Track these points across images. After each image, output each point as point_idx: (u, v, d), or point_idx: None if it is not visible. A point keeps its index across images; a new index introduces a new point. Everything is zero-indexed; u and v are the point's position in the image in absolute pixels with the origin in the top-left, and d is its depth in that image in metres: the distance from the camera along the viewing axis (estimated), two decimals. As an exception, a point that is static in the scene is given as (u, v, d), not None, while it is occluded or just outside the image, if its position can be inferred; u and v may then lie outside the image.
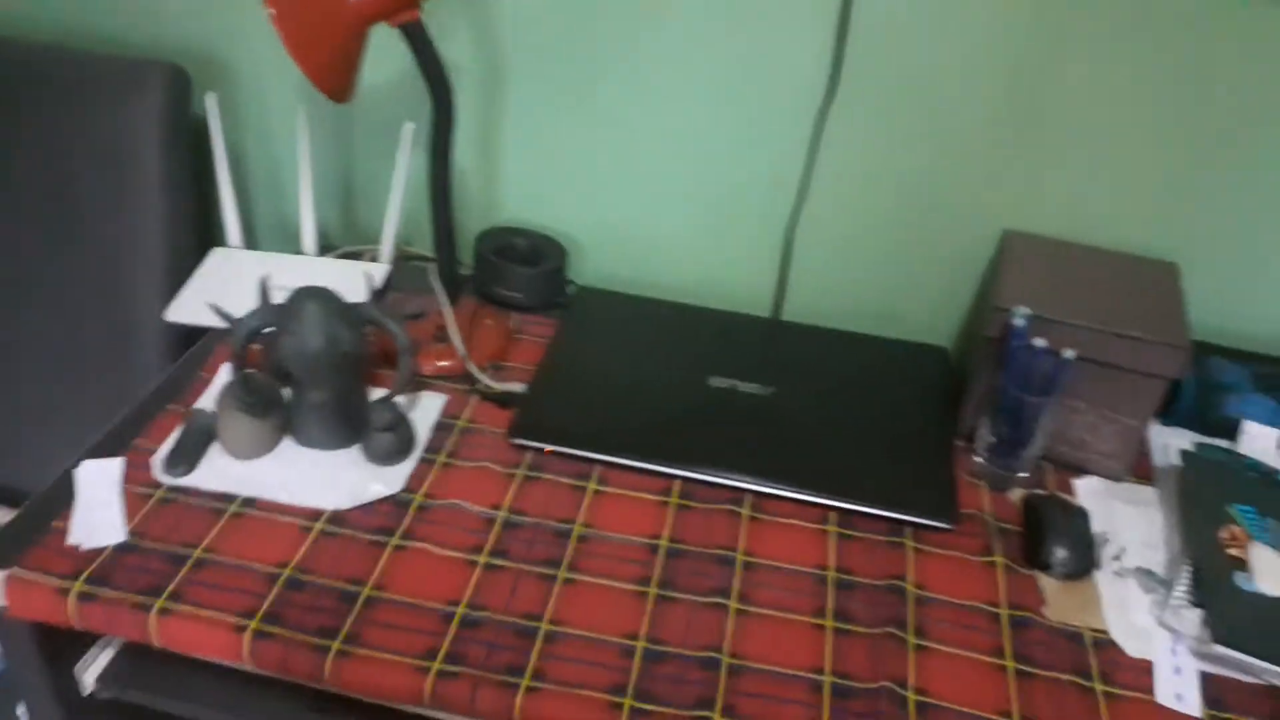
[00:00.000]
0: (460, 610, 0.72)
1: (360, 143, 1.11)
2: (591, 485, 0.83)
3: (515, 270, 1.04)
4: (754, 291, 1.07)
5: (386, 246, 1.06)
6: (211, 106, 1.00)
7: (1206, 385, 0.91)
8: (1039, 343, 0.81)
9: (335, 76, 0.80)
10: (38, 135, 1.02)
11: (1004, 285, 0.87)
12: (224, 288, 0.99)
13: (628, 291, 1.06)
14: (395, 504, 0.80)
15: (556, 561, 0.76)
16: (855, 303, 1.05)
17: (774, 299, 1.07)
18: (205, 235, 1.13)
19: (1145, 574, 0.79)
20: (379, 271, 1.04)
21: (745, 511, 0.82)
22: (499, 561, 0.76)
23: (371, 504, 0.80)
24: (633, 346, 0.98)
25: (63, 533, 0.74)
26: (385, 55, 1.02)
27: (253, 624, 0.69)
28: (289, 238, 1.18)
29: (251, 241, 1.19)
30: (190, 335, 1.04)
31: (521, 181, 1.08)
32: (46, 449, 1.09)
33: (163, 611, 0.69)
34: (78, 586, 0.71)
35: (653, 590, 0.75)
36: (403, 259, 1.12)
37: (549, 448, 0.86)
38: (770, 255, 1.05)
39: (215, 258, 1.04)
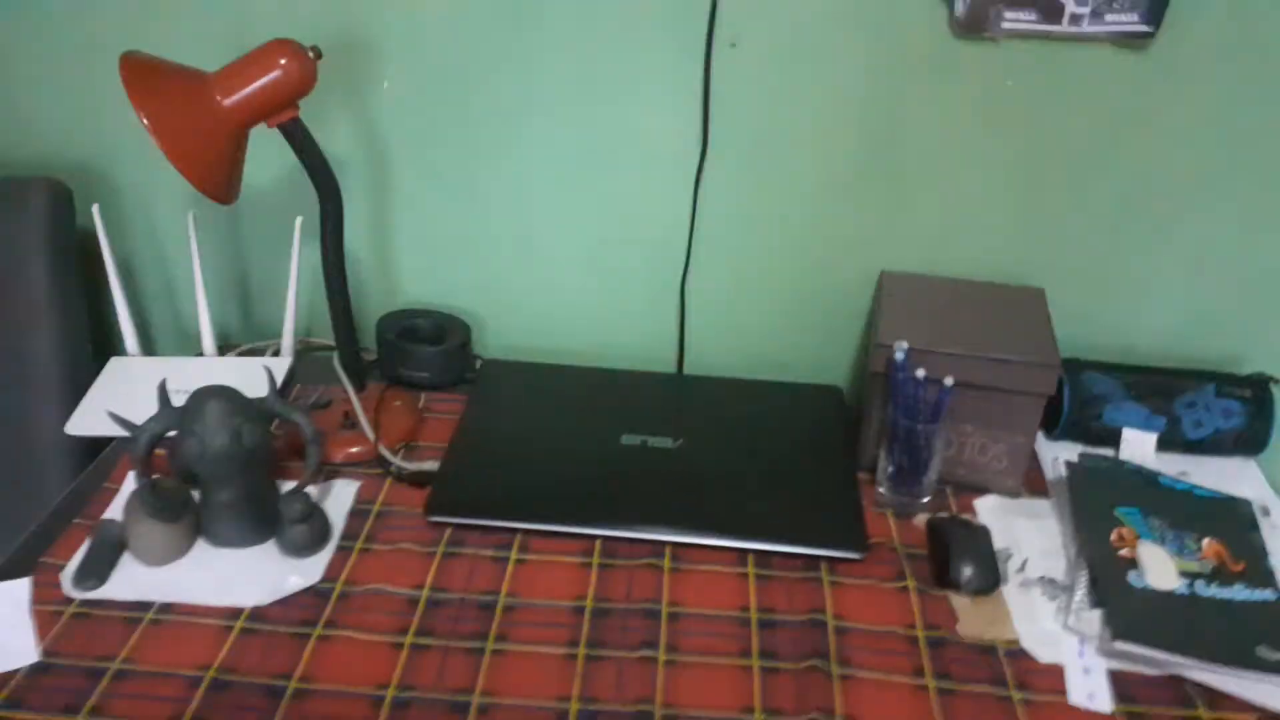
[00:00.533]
0: (390, 693, 0.71)
1: (252, 240, 1.11)
2: (513, 554, 0.84)
3: (419, 350, 1.05)
4: (655, 349, 1.11)
5: (287, 339, 1.07)
6: (96, 217, 0.99)
7: (1084, 399, 0.97)
8: (921, 374, 0.86)
9: (218, 179, 0.82)
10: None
11: (884, 323, 0.92)
12: (124, 397, 0.98)
13: (534, 360, 1.08)
14: (315, 594, 0.79)
15: (483, 634, 0.77)
16: (751, 352, 1.09)
17: (675, 355, 1.11)
18: (102, 346, 1.11)
19: (1048, 582, 0.84)
20: (281, 365, 1.04)
21: (666, 564, 0.84)
22: (425, 641, 0.76)
23: (291, 597, 0.79)
24: (542, 413, 1.00)
25: (-34, 663, 0.72)
26: (269, 153, 1.03)
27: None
28: (188, 340, 1.18)
29: (149, 348, 1.18)
30: (92, 447, 1.03)
31: (417, 264, 1.11)
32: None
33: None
34: (-8, 714, 0.68)
35: (581, 651, 0.76)
36: (305, 350, 1.13)
37: (468, 522, 0.86)
38: (667, 313, 1.09)
39: (113, 367, 1.03)
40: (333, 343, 1.07)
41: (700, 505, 0.88)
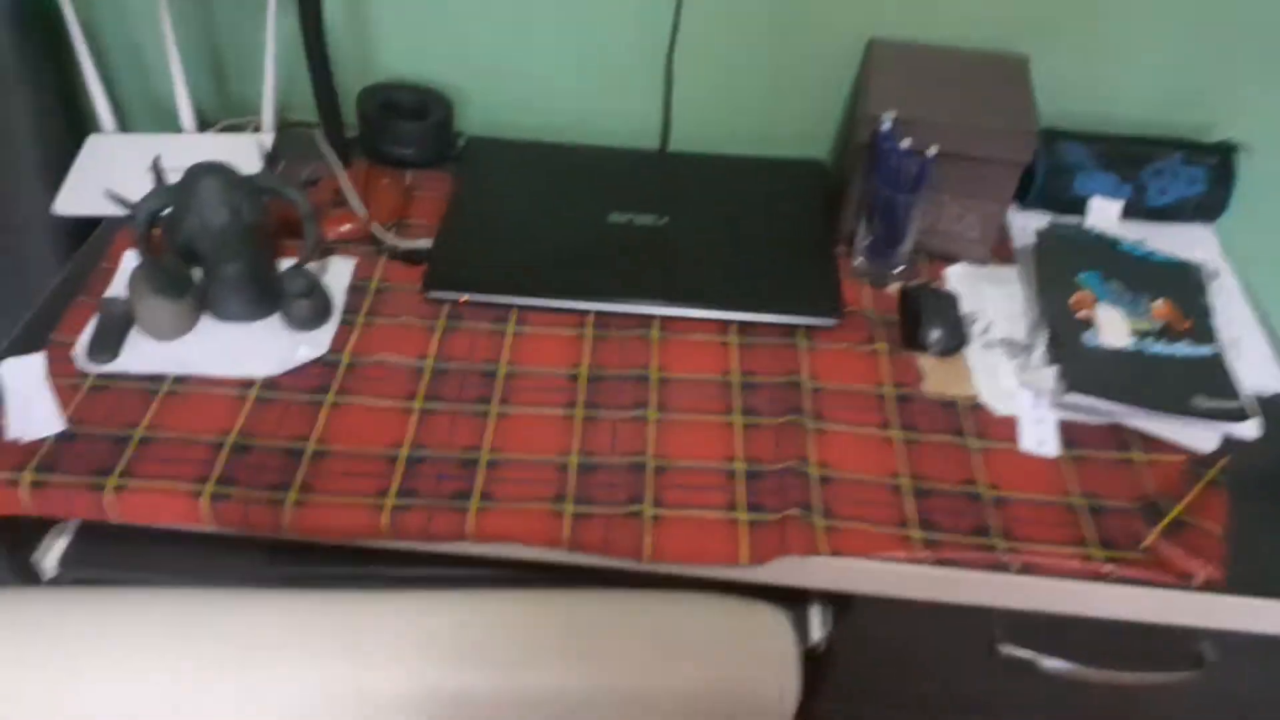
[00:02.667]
0: (404, 452, 0.78)
1: (223, 10, 1.07)
2: (510, 327, 0.89)
3: (403, 126, 1.04)
4: (640, 125, 1.11)
5: (268, 115, 1.05)
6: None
7: (1056, 168, 1.00)
8: (905, 143, 0.88)
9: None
10: None
11: (871, 93, 0.92)
12: (108, 175, 0.98)
13: (519, 138, 1.08)
14: (324, 365, 0.84)
15: (487, 399, 0.82)
16: (736, 126, 1.09)
17: (660, 131, 1.11)
18: (75, 122, 1.09)
19: (1009, 343, 0.90)
20: (266, 140, 1.04)
21: (654, 334, 0.89)
22: (434, 405, 0.81)
23: (300, 367, 0.83)
24: (531, 191, 1.01)
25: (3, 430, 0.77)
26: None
27: (208, 488, 0.74)
28: (162, 117, 1.15)
29: (123, 123, 1.15)
30: (78, 227, 1.03)
31: (396, 34, 1.07)
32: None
33: (117, 488, 0.73)
34: (28, 476, 0.74)
35: (579, 412, 0.82)
36: (285, 126, 1.11)
37: (464, 297, 0.90)
38: (652, 88, 1.08)
39: (92, 144, 1.01)
40: (312, 119, 1.06)
41: (685, 279, 0.92)
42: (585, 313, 0.90)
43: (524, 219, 0.98)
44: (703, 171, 1.05)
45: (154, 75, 1.12)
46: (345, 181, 0.98)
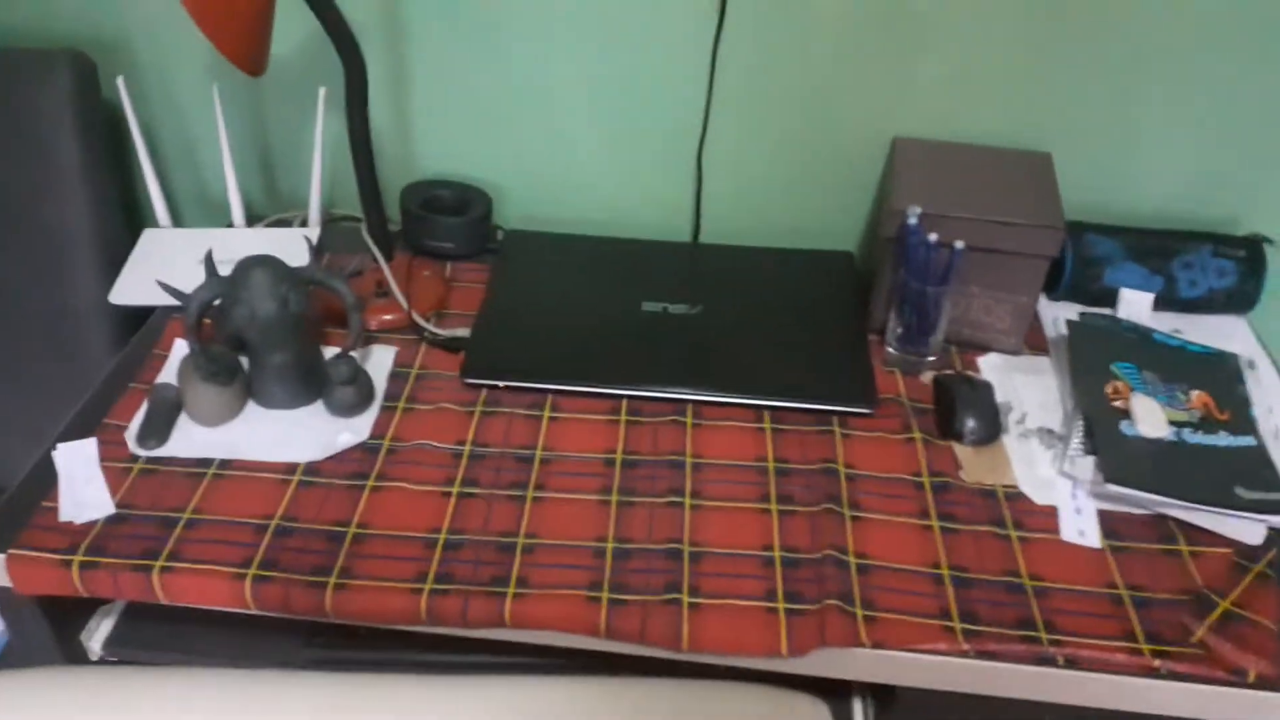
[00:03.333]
0: (442, 536, 0.78)
1: (273, 112, 1.12)
2: (546, 413, 0.90)
3: (443, 221, 1.08)
4: (672, 218, 1.14)
5: (314, 210, 1.09)
6: (122, 89, 1.00)
7: (1084, 260, 1.01)
8: (932, 237, 0.90)
9: (250, 50, 0.83)
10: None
11: (897, 188, 0.95)
12: (161, 266, 1.02)
13: (554, 231, 1.11)
14: (365, 450, 0.85)
15: (524, 484, 0.83)
16: (766, 219, 1.12)
17: (691, 224, 1.14)
18: (132, 217, 1.14)
19: (1045, 433, 0.90)
20: (311, 234, 1.07)
21: (688, 420, 0.90)
22: (471, 490, 0.82)
23: (342, 453, 0.85)
24: (566, 281, 1.04)
25: (52, 511, 0.78)
26: (289, 23, 1.03)
27: (251, 570, 0.74)
28: (213, 211, 1.20)
29: (177, 218, 1.20)
30: (130, 317, 1.06)
31: (438, 134, 1.12)
32: (5, 435, 1.10)
33: (164, 570, 0.74)
34: (79, 558, 0.75)
35: (614, 498, 0.82)
36: (331, 221, 1.16)
37: (502, 384, 0.92)
38: (684, 182, 1.11)
39: (148, 238, 1.06)
40: (356, 213, 1.10)
41: (719, 366, 0.93)
42: (619, 398, 0.91)
43: (559, 308, 1.00)
44: (733, 262, 1.07)
45: (207, 171, 1.18)
46: (388, 274, 1.01)
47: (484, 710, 0.66)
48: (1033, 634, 0.73)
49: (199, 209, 1.21)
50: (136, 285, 1.00)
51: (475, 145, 1.12)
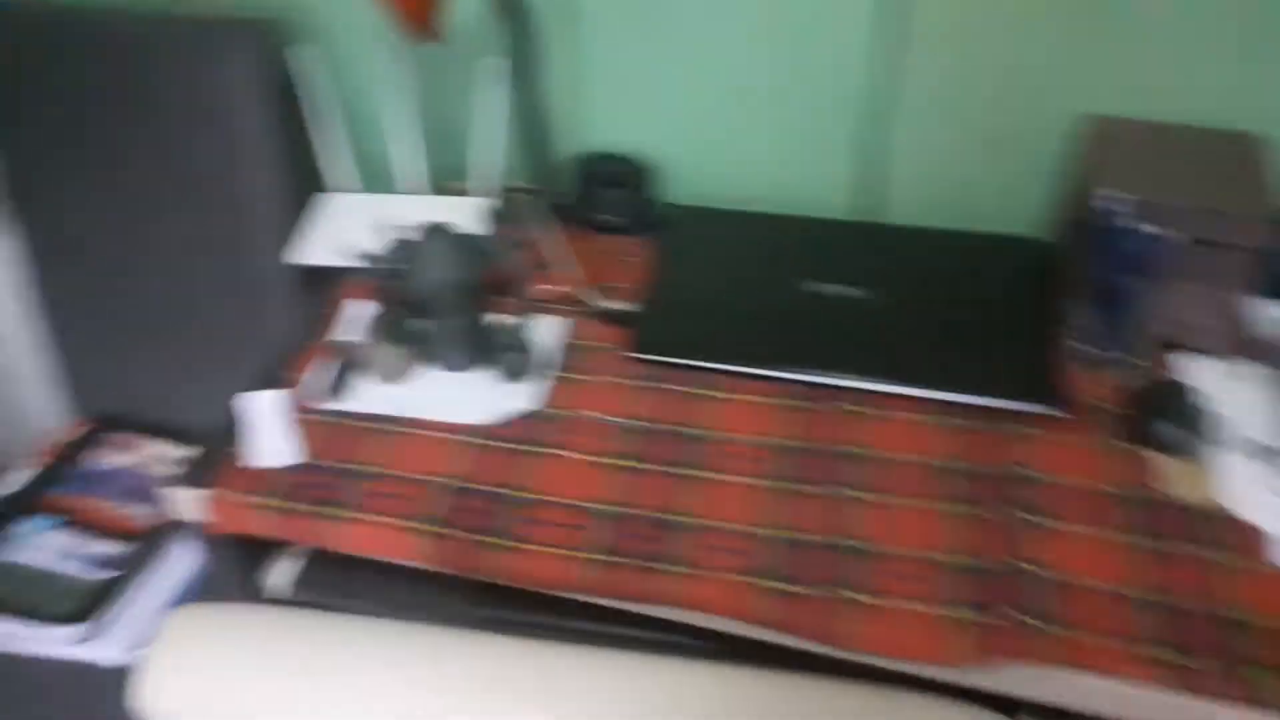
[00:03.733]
0: (606, 507, 0.78)
1: (444, 85, 1.14)
2: (712, 392, 0.89)
3: (610, 195, 1.08)
4: (846, 196, 1.10)
5: (488, 181, 1.11)
6: (309, 57, 1.04)
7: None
8: (1135, 225, 0.84)
9: (427, 17, 0.84)
10: (145, 102, 1.08)
11: (1096, 171, 0.89)
12: (338, 230, 1.06)
13: (722, 208, 1.10)
14: (533, 417, 0.86)
15: (689, 462, 0.82)
16: (948, 200, 1.07)
17: (867, 202, 1.10)
18: (307, 183, 1.19)
19: (1256, 446, 0.82)
20: (486, 204, 1.09)
21: (860, 409, 0.87)
22: (634, 464, 0.82)
23: (512, 418, 0.86)
24: (733, 260, 1.02)
25: (245, 458, 0.82)
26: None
27: (425, 526, 0.77)
28: (381, 180, 1.24)
29: (351, 184, 1.25)
30: (307, 276, 1.11)
31: (606, 107, 1.12)
32: (195, 389, 1.17)
33: (346, 520, 0.77)
34: (271, 502, 0.79)
35: (776, 484, 0.80)
36: (502, 192, 1.17)
37: (672, 360, 0.91)
38: (861, 158, 1.07)
39: (324, 200, 1.10)
40: (524, 185, 1.12)
41: (895, 354, 0.90)
42: (788, 382, 0.89)
43: (728, 286, 0.98)
44: (911, 244, 1.03)
45: (371, 141, 1.21)
46: (558, 245, 1.02)
47: (639, 686, 0.65)
48: (1246, 673, 0.67)
49: (373, 177, 1.25)
50: (312, 246, 1.04)
51: (643, 118, 1.12)
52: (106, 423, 1.23)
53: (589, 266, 1.02)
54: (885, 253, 1.02)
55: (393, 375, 0.89)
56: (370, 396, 0.88)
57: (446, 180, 1.21)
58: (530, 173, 1.00)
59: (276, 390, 0.88)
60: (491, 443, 0.84)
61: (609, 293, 1.01)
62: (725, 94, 1.07)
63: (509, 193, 1.17)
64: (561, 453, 0.83)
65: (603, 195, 1.08)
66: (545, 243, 1.03)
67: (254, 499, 0.79)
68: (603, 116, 1.13)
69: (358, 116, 1.20)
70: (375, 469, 0.81)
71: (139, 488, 1.15)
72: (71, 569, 1.05)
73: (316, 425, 0.86)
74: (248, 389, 0.89)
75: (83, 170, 1.13)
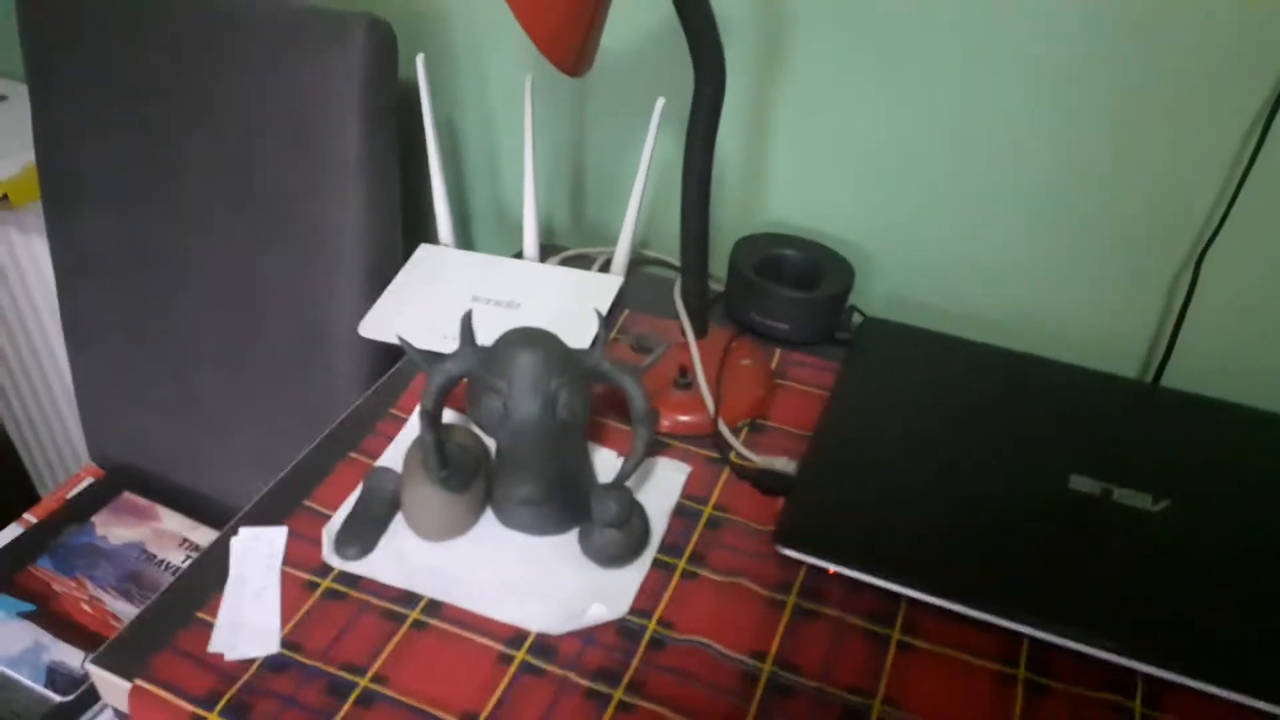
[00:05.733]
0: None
1: (594, 122, 0.89)
2: (896, 634, 0.58)
3: (783, 293, 0.79)
4: (1121, 342, 0.77)
5: (622, 251, 0.84)
6: (420, 69, 0.80)
7: None
8: None
9: (570, 43, 0.58)
10: (226, 101, 0.86)
11: None
12: (429, 296, 0.81)
13: (937, 330, 0.79)
14: (620, 633, 0.58)
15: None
16: (1267, 365, 0.73)
17: (1151, 355, 0.77)
18: (410, 225, 0.96)
19: None
20: (611, 284, 0.82)
21: (1136, 706, 0.54)
22: (763, 746, 0.52)
23: (589, 630, 0.58)
24: (951, 414, 0.70)
25: (205, 629, 0.58)
26: (627, 12, 0.79)
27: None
28: (505, 230, 0.99)
29: (464, 233, 1.01)
30: (389, 353, 0.88)
31: (795, 174, 0.83)
32: (224, 453, 0.96)
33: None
34: (213, 718, 0.53)
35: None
36: (637, 263, 0.91)
37: (834, 568, 0.61)
38: (1155, 295, 0.74)
39: (422, 256, 0.86)
40: (671, 260, 0.85)
41: (1204, 620, 0.56)
42: (1019, 637, 0.58)
43: (938, 456, 0.67)
44: (1226, 429, 0.69)
45: (504, 184, 0.96)
46: (697, 360, 0.73)
47: None
48: None
49: (491, 227, 1.01)
50: (394, 314, 0.79)
51: (843, 195, 0.82)
52: (120, 475, 1.01)
53: (738, 391, 0.74)
54: (1187, 439, 0.68)
55: (433, 529, 0.62)
56: (401, 558, 0.62)
57: (579, 245, 0.95)
58: (682, 251, 0.72)
59: (273, 528, 0.63)
60: (550, 667, 0.56)
61: (759, 435, 0.72)
62: (972, 177, 0.76)
63: (646, 265, 0.90)
64: (652, 707, 0.54)
65: (774, 292, 0.79)
66: (682, 352, 0.75)
67: (191, 707, 0.54)
68: (788, 185, 0.84)
69: (480, 150, 0.96)
70: (374, 686, 0.55)
71: (132, 574, 0.91)
72: (24, 676, 0.82)
73: (317, 595, 0.60)
74: (250, 517, 0.65)
75: (131, 171, 0.92)
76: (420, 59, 0.80)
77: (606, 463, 0.69)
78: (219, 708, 0.54)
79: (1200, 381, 0.75)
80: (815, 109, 0.79)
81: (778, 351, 0.80)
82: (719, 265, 0.88)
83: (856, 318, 0.82)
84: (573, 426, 0.59)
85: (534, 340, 0.58)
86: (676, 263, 0.88)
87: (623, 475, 0.61)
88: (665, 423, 0.72)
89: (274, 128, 0.85)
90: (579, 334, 0.76)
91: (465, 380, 0.61)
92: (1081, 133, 0.71)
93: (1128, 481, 0.64)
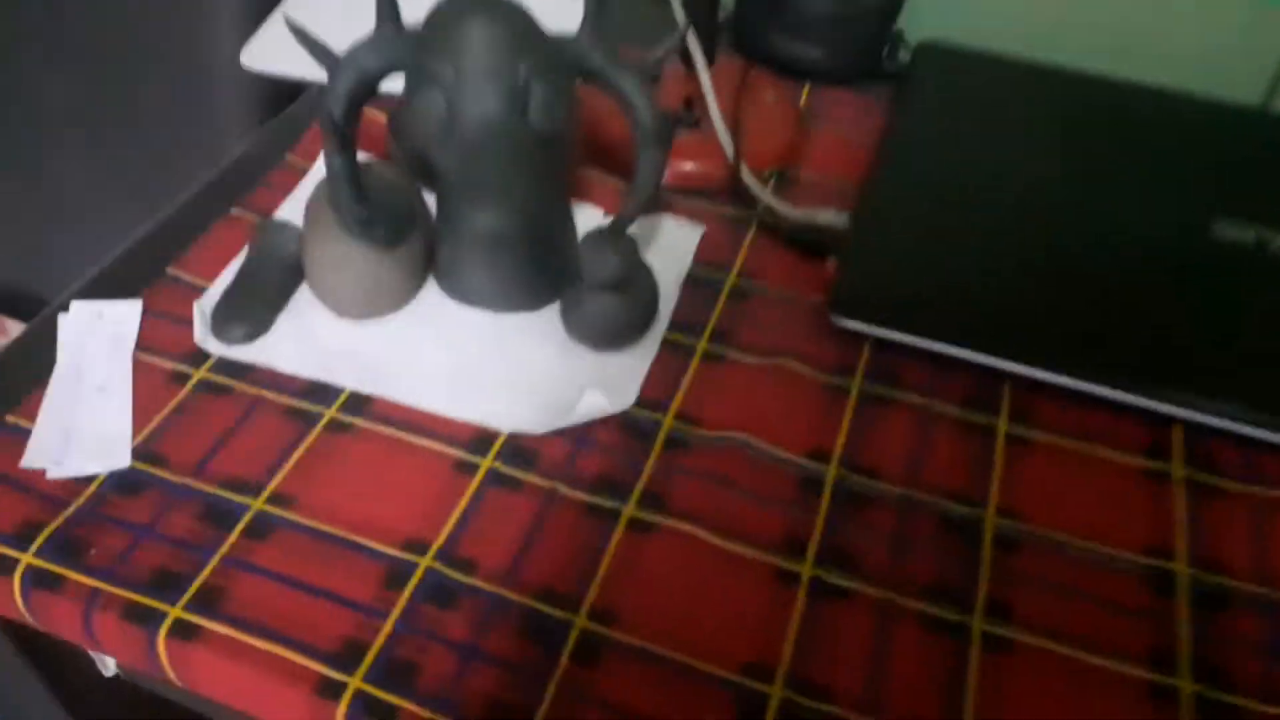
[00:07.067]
0: (782, 667, 0.34)
1: None
2: (1002, 423, 0.42)
3: (815, 7, 0.59)
4: (1232, 65, 0.60)
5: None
6: None
7: None
8: None
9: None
10: None
11: None
12: (333, 11, 0.60)
13: (1005, 53, 0.60)
14: (626, 429, 0.41)
15: (964, 594, 0.37)
16: None
17: (1276, 77, 0.60)
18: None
19: None
20: None
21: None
22: (838, 581, 0.37)
23: (584, 427, 0.41)
24: (1044, 154, 0.53)
25: (18, 438, 0.40)
26: None
27: (355, 679, 0.33)
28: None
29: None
30: (288, 95, 0.67)
31: None
32: (83, 245, 0.76)
33: (181, 633, 0.34)
34: (27, 559, 0.36)
35: (1182, 677, 0.35)
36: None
37: (912, 341, 0.44)
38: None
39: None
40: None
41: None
42: (1167, 423, 0.42)
43: (1033, 204, 0.50)
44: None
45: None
46: (707, 85, 0.54)
47: None
48: None
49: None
50: (286, 44, 0.59)
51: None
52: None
53: (762, 134, 0.55)
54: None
55: (352, 301, 0.44)
56: (304, 340, 0.44)
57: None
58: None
59: (125, 301, 0.44)
60: (530, 478, 0.40)
61: (791, 187, 0.55)
62: None
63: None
64: (677, 526, 0.38)
65: (801, 8, 0.59)
66: (687, 81, 0.56)
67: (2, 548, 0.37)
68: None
69: None
70: (277, 507, 0.38)
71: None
72: None
73: (187, 389, 0.42)
74: (92, 287, 0.46)
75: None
76: None
77: (591, 223, 0.51)
78: (35, 546, 0.36)
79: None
80: None
81: (807, 87, 0.61)
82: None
83: (905, 47, 0.64)
84: (551, 141, 0.41)
85: (491, 6, 0.39)
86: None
87: (626, 215, 0.43)
88: (669, 172, 0.54)
89: None
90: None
91: (389, 97, 0.42)
92: None
93: (1269, 219, 0.48)
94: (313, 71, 0.56)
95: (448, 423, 0.41)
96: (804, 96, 0.61)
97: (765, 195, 0.53)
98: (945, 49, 0.60)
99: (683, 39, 0.44)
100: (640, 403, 0.42)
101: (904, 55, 0.62)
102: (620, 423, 0.42)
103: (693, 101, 0.56)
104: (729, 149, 0.53)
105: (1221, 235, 0.48)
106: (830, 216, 0.51)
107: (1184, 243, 0.48)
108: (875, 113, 0.59)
